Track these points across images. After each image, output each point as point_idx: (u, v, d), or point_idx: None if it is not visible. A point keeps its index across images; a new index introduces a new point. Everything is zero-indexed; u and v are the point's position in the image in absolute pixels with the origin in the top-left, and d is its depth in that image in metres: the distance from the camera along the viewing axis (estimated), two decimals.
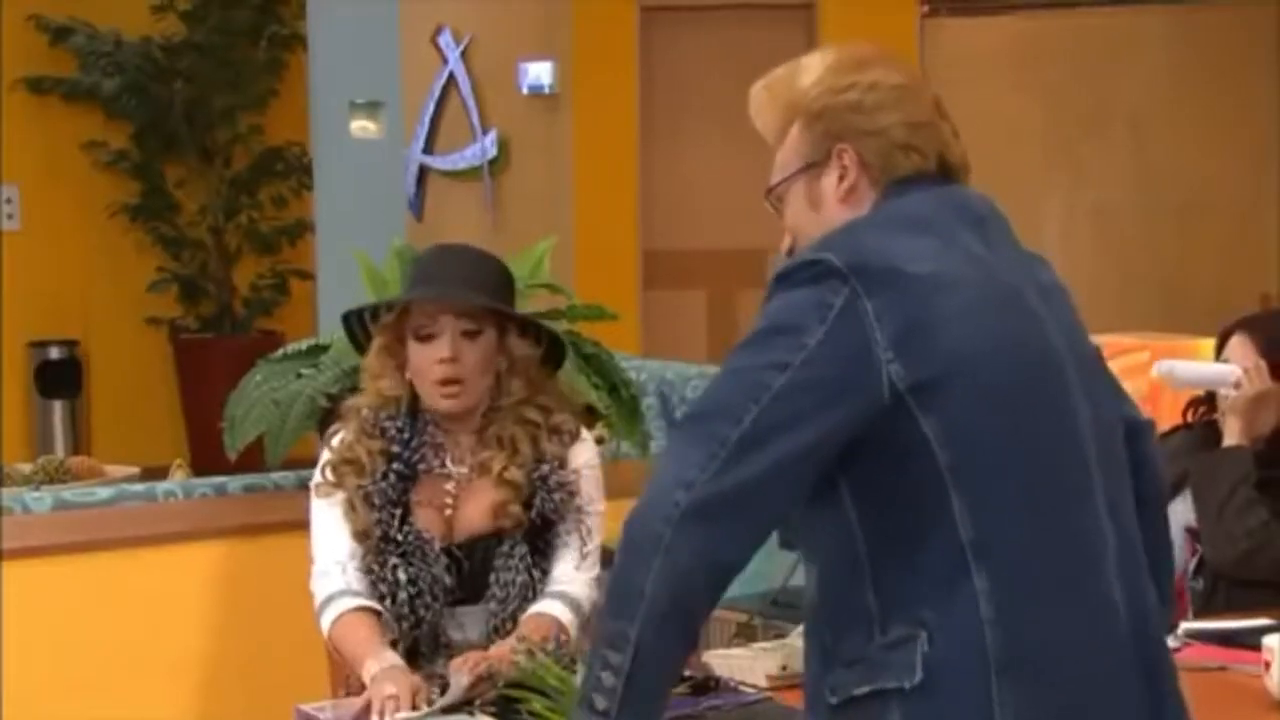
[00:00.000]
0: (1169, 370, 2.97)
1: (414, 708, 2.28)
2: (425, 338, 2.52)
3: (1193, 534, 2.94)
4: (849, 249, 1.65)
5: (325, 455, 2.59)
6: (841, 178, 1.74)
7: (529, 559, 2.53)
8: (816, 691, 1.69)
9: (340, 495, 2.54)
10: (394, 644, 2.49)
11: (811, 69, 1.78)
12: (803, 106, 1.76)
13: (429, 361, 2.51)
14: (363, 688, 2.38)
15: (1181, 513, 2.92)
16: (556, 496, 2.54)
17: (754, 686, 2.33)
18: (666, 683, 1.63)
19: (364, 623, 2.48)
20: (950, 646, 1.61)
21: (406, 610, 2.49)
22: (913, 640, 1.61)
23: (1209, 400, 3.06)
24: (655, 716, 1.62)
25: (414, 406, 2.56)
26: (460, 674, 2.29)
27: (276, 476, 3.66)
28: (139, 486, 3.76)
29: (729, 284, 7.25)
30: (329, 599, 2.52)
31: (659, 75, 7.22)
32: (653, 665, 1.58)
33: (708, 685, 2.28)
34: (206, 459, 5.88)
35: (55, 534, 3.34)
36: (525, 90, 6.14)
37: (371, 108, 6.41)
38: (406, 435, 2.54)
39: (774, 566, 3.32)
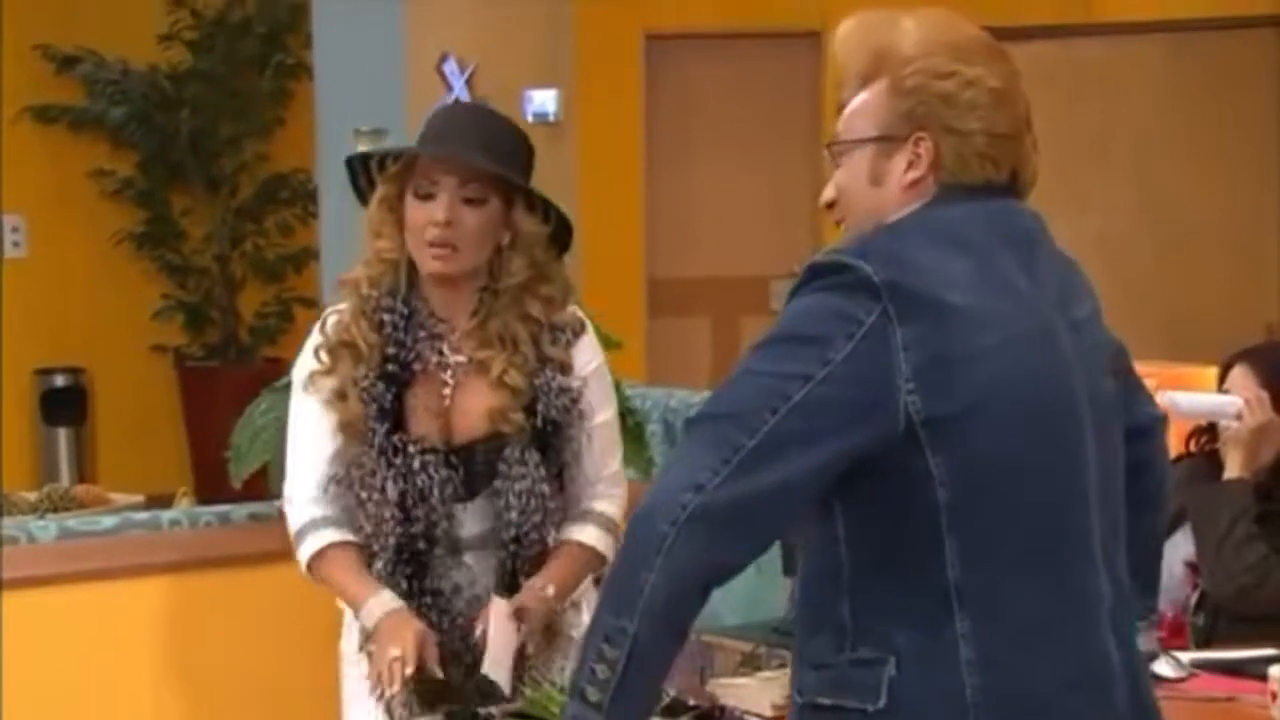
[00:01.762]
0: (1171, 401, 2.97)
1: (419, 667, 2.25)
2: (425, 196, 2.41)
3: (1193, 568, 2.93)
4: (889, 263, 1.62)
5: (316, 339, 2.47)
6: (911, 165, 1.71)
7: (541, 468, 2.43)
8: (793, 686, 1.71)
9: (330, 384, 2.42)
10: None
11: (914, 36, 1.72)
12: (895, 71, 1.71)
13: (424, 220, 2.40)
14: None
15: (1182, 546, 2.91)
16: (560, 402, 2.44)
17: (759, 715, 2.32)
18: (658, 679, 1.64)
19: (350, 557, 2.40)
20: (923, 680, 1.60)
21: (395, 521, 2.38)
22: (881, 664, 1.61)
23: (1210, 430, 3.05)
24: (645, 710, 1.63)
25: (412, 277, 2.44)
26: (489, 624, 2.26)
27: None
28: (144, 515, 3.75)
29: (733, 311, 7.25)
30: (304, 529, 2.44)
31: (664, 103, 7.23)
32: (647, 661, 1.59)
33: (713, 714, 2.28)
34: (211, 487, 5.87)
35: (60, 563, 3.33)
36: (530, 118, 6.15)
37: (376, 135, 6.42)
38: (403, 330, 2.42)
39: (779, 594, 3.31)
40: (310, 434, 2.47)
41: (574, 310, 2.52)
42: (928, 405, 1.60)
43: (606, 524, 2.50)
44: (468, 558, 2.45)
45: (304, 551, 2.46)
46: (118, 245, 7.50)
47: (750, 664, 2.81)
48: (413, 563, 2.42)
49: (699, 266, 7.32)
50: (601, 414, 2.51)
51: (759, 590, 3.28)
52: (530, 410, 2.43)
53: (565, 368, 2.47)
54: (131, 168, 7.55)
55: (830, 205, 1.79)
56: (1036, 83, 1.77)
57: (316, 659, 2.56)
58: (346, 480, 2.43)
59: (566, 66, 6.30)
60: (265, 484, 3.51)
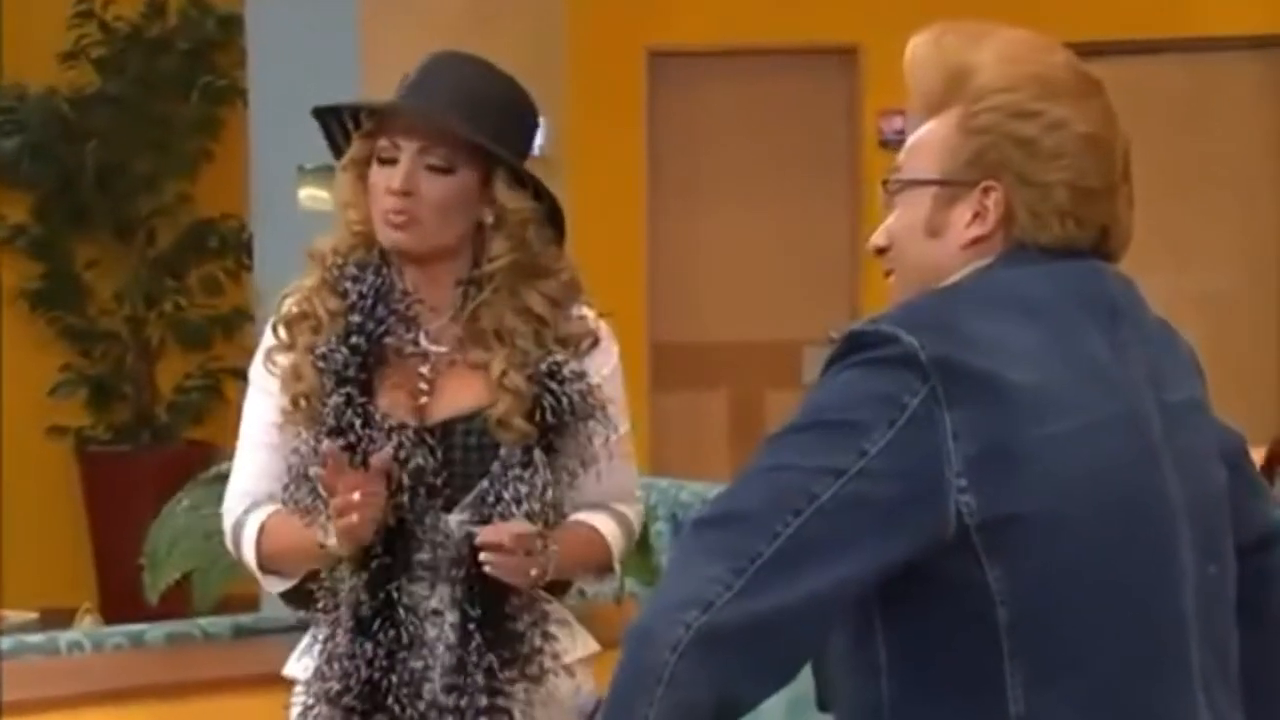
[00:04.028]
0: None
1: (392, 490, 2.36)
2: (386, 160, 2.47)
3: None
4: (940, 334, 1.63)
5: (274, 316, 2.54)
6: (976, 218, 1.72)
7: (548, 470, 2.45)
8: None
9: (287, 360, 2.49)
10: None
11: (994, 62, 1.73)
12: (967, 103, 1.72)
13: (382, 188, 2.46)
14: None
15: None
16: (572, 390, 2.47)
17: None
18: None
19: (299, 520, 2.44)
20: None
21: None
22: None
23: None
24: None
25: (386, 253, 2.51)
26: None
27: (207, 624, 3.65)
28: (38, 636, 3.74)
29: (756, 383, 7.27)
30: (242, 518, 2.50)
31: (670, 132, 7.28)
32: None
33: None
34: (121, 602, 5.84)
35: None
36: None
37: (325, 173, 6.44)
38: (370, 300, 2.49)
39: None
40: (259, 429, 2.54)
41: (584, 316, 2.56)
42: (984, 505, 1.60)
43: (622, 522, 2.55)
44: (438, 582, 2.47)
45: (247, 538, 2.50)
46: (9, 306, 7.52)
47: None
48: (381, 580, 2.44)
49: (713, 329, 7.34)
50: (623, 423, 2.56)
51: None
52: (534, 410, 2.46)
53: (572, 357, 2.51)
54: (24, 212, 7.58)
55: (881, 251, 1.80)
56: (1122, 106, 1.78)
57: None
58: (298, 477, 2.47)
59: (556, 90, 6.33)
60: (187, 599, 3.50)
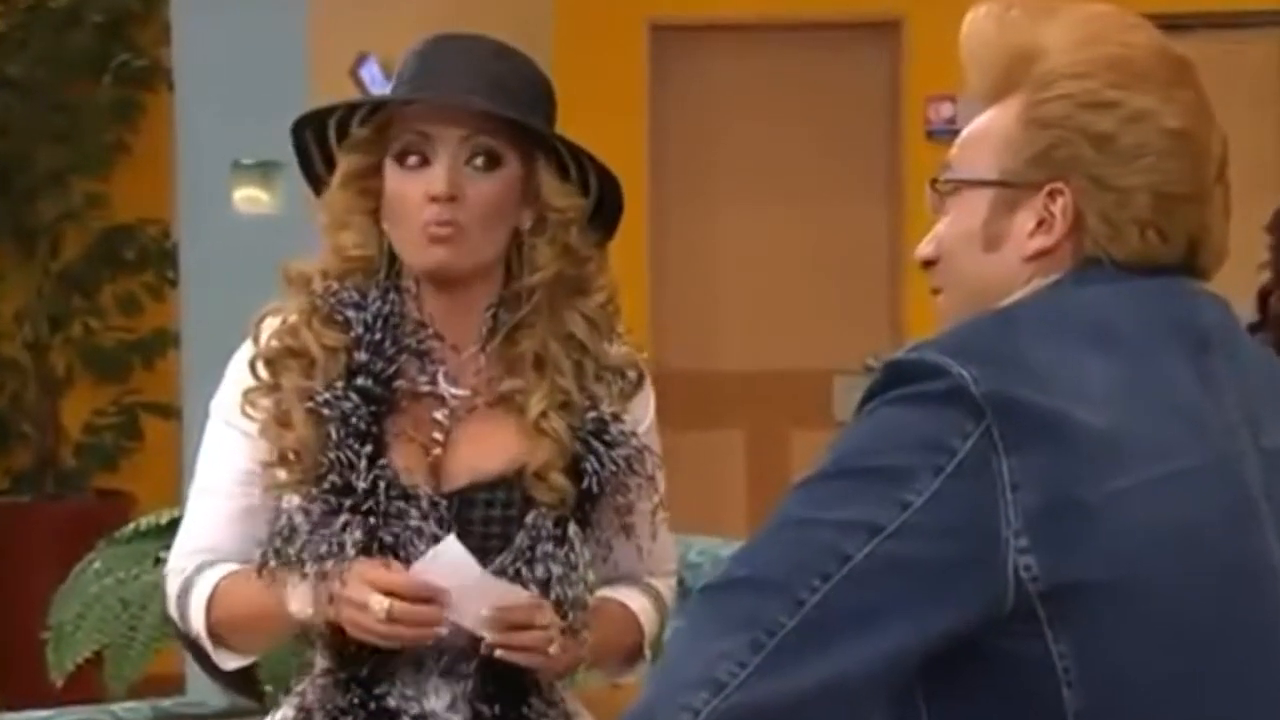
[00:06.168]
0: None
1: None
2: (414, 163, 2.40)
3: None
4: (996, 366, 1.63)
5: (248, 349, 2.45)
6: (1040, 227, 1.73)
7: (584, 548, 2.42)
8: None
9: (270, 404, 2.41)
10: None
11: (1066, 41, 1.73)
12: (1032, 89, 1.73)
13: (416, 197, 2.38)
14: None
15: None
16: (621, 454, 2.44)
17: None
18: None
19: (262, 582, 2.40)
20: None
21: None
22: None
23: None
24: None
25: (393, 278, 2.45)
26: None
27: (122, 710, 3.65)
28: None
29: (778, 421, 7.28)
30: (193, 576, 2.45)
31: (676, 119, 7.31)
32: None
33: None
34: (21, 683, 5.84)
35: None
36: None
37: (264, 171, 6.46)
38: (380, 334, 2.42)
39: None
40: (224, 474, 2.48)
41: (626, 344, 2.53)
42: (1048, 569, 1.60)
43: (656, 599, 2.57)
44: (439, 677, 2.44)
45: (196, 600, 2.45)
46: None
47: None
48: (369, 677, 2.40)
49: (728, 356, 7.35)
50: (662, 481, 2.55)
51: None
52: (573, 469, 2.43)
53: (618, 413, 2.47)
54: None
55: (928, 264, 1.81)
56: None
57: None
58: (276, 543, 2.41)
59: (544, 68, 6.37)
60: (98, 680, 3.50)
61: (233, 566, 2.46)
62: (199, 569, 2.48)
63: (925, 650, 1.61)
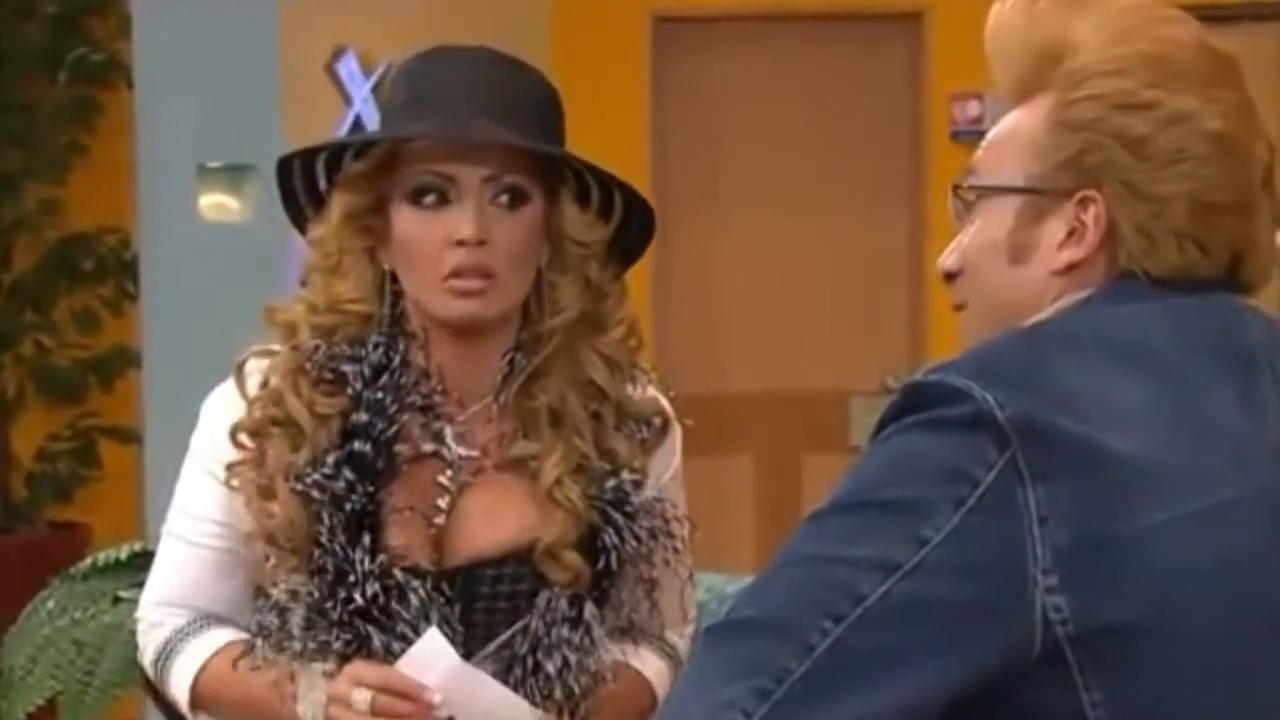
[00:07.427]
0: None
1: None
2: (431, 202, 2.36)
3: None
4: (1024, 390, 1.63)
5: (233, 400, 2.41)
6: (1070, 238, 1.74)
7: (600, 627, 2.40)
8: None
9: (255, 476, 2.38)
10: None
11: (1098, 36, 1.74)
12: (1063, 88, 1.74)
13: (438, 243, 2.34)
14: None
15: None
16: (644, 526, 2.42)
17: None
18: None
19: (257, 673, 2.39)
20: None
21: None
22: None
23: None
24: None
25: (398, 330, 2.41)
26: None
27: None
28: None
29: (790, 446, 7.29)
30: (175, 642, 2.44)
31: (680, 118, 7.32)
32: None
33: None
34: None
35: None
36: None
37: (232, 175, 6.47)
38: (379, 390, 2.37)
39: None
40: (198, 525, 2.46)
41: (651, 391, 2.51)
42: (1080, 610, 1.60)
43: (671, 657, 2.56)
44: None
45: (180, 670, 2.45)
46: None
47: None
48: None
49: (737, 376, 7.36)
50: (684, 529, 2.53)
51: None
52: (589, 541, 2.40)
53: (639, 479, 2.44)
54: None
55: (951, 277, 1.82)
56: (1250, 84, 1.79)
57: None
58: (267, 633, 2.39)
59: (539, 64, 6.38)
60: None
61: (222, 638, 2.46)
62: (182, 634, 2.48)
63: (945, 700, 1.61)
